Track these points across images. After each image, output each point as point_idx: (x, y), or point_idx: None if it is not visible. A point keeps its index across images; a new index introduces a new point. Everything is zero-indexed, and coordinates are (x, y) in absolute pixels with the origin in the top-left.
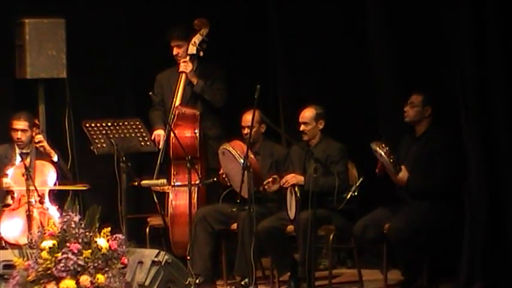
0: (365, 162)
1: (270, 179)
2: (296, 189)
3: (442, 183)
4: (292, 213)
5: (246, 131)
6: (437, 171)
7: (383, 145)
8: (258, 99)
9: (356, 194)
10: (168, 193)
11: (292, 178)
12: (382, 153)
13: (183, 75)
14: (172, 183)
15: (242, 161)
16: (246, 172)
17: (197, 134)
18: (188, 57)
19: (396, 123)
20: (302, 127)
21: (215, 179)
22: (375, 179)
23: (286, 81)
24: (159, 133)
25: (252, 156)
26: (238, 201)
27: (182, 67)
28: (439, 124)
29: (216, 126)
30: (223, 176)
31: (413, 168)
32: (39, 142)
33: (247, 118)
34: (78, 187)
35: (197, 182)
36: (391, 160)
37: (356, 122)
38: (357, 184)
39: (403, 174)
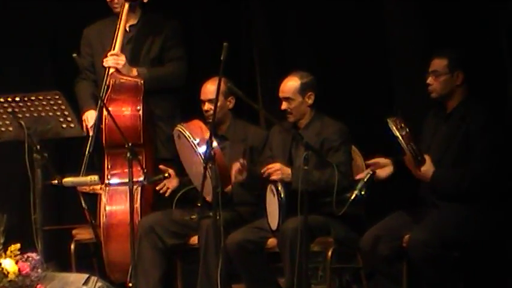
0: (375, 148)
1: (235, 168)
2: (279, 188)
3: (482, 178)
4: (274, 221)
5: (208, 106)
6: (475, 162)
7: (402, 124)
8: (224, 62)
9: (363, 193)
10: (101, 195)
11: (277, 170)
12: (400, 137)
13: (121, 27)
14: (107, 181)
15: (201, 150)
16: (208, 166)
17: (140, 112)
18: (119, 48)
19: (418, 98)
20: (284, 104)
21: (167, 175)
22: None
23: (265, 38)
24: (91, 115)
25: (215, 144)
26: (200, 204)
27: (110, 61)
28: (477, 96)
29: (167, 101)
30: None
31: (441, 157)
32: None
33: (209, 89)
34: None
35: (141, 179)
36: (411, 147)
37: (363, 95)
38: (365, 180)
39: (427, 167)
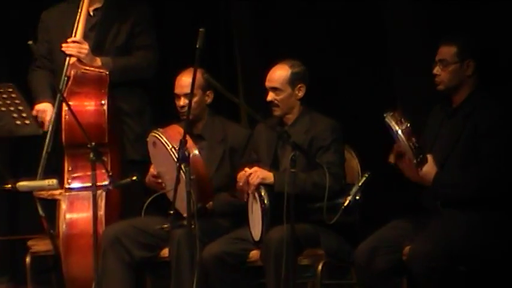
0: (372, 148)
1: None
2: (263, 193)
3: (491, 182)
4: (257, 230)
5: (183, 101)
6: (483, 164)
7: (402, 119)
8: (201, 50)
9: (358, 198)
10: (60, 201)
11: (255, 174)
12: (399, 132)
13: (83, 11)
14: (67, 186)
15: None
16: (182, 168)
17: (105, 107)
18: (81, 34)
19: (420, 91)
20: (271, 95)
21: (135, 178)
22: (388, 174)
23: (247, 23)
24: (45, 107)
25: (195, 152)
26: (172, 212)
27: (71, 49)
28: (487, 90)
29: (136, 95)
30: (156, 178)
31: (445, 158)
32: None
33: (185, 82)
34: None
35: (106, 183)
36: (412, 145)
37: (357, 89)
38: (360, 184)
39: (429, 168)
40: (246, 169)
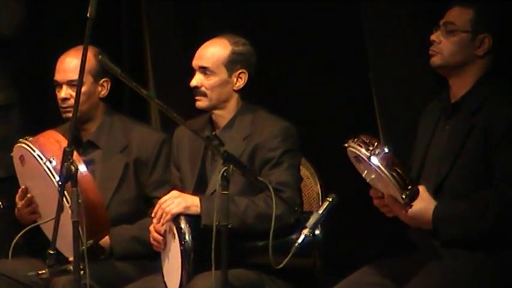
0: (338, 163)
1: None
2: (183, 226)
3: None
4: (174, 279)
5: (66, 92)
6: (500, 183)
7: (375, 142)
8: (93, 21)
9: (318, 233)
10: None
11: (173, 200)
12: (373, 159)
13: None
14: None
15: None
16: (66, 202)
17: None
18: None
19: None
20: (197, 79)
21: (0, 206)
22: (361, 197)
23: None
24: None
25: (83, 168)
26: (52, 252)
27: None
28: (501, 80)
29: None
30: (27, 204)
31: (443, 175)
32: None
33: (69, 65)
34: None
35: None
36: (396, 174)
37: (320, 80)
38: (321, 211)
39: (423, 204)
40: (168, 195)
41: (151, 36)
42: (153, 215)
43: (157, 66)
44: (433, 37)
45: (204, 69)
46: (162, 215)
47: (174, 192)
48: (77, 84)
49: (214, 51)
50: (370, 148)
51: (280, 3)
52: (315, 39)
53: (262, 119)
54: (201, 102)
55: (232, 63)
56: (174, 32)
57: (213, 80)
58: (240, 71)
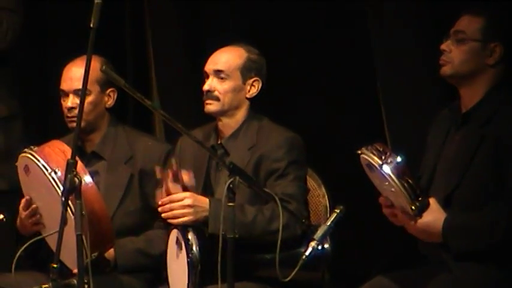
0: (346, 173)
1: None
2: (190, 237)
3: None
4: None
5: (72, 102)
6: (509, 195)
7: (386, 151)
8: (96, 30)
9: (327, 247)
10: None
11: (185, 208)
12: (385, 168)
13: None
14: None
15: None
16: (70, 214)
17: None
18: None
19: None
20: (212, 82)
21: (1, 218)
22: (369, 208)
23: None
24: None
25: (88, 179)
26: (55, 266)
27: None
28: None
29: (1, 95)
30: (31, 216)
31: (453, 187)
32: None
33: (74, 73)
34: None
35: None
36: (407, 184)
37: (328, 90)
38: (329, 223)
39: (433, 215)
40: (180, 195)
41: (155, 47)
42: (160, 203)
43: (161, 76)
44: (443, 46)
45: (219, 73)
46: (168, 213)
47: (188, 201)
48: (80, 95)
49: (229, 56)
50: (383, 157)
51: (287, 13)
52: (322, 49)
53: (268, 129)
54: (212, 106)
55: (247, 70)
56: (178, 42)
57: (227, 85)
58: (254, 78)
